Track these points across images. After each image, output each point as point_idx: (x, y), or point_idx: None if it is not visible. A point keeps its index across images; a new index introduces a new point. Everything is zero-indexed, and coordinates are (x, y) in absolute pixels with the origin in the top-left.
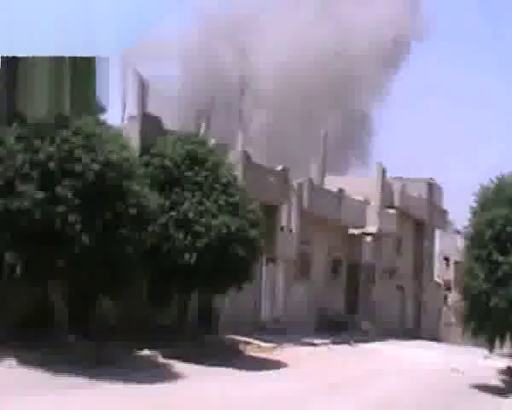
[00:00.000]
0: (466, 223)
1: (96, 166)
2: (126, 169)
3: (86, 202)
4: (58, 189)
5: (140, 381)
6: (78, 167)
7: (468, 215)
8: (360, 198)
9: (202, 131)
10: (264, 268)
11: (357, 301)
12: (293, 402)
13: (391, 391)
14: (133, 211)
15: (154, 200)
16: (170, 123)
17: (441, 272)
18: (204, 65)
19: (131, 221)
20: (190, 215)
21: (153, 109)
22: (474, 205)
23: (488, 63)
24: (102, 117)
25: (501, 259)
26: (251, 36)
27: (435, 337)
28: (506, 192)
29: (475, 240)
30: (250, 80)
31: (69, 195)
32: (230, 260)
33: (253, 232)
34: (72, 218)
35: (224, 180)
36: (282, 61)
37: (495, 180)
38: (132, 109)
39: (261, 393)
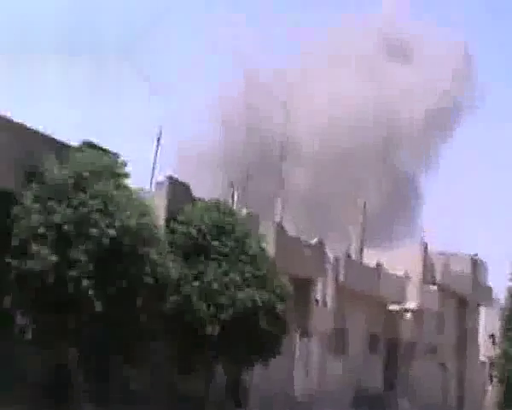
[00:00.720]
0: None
1: (112, 231)
2: (145, 235)
3: (100, 267)
4: (73, 252)
5: None
6: (93, 231)
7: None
8: (401, 272)
9: (235, 198)
10: (297, 342)
11: (396, 378)
12: None
13: None
14: (149, 279)
15: (175, 269)
16: (205, 184)
17: (486, 350)
18: (244, 123)
19: (147, 289)
20: (215, 286)
21: (189, 169)
22: None
23: None
24: (127, 180)
25: None
26: (292, 93)
27: None
28: None
29: (511, 321)
30: (290, 140)
31: (83, 259)
32: (256, 334)
33: (280, 306)
34: (85, 283)
35: (251, 252)
36: (324, 121)
37: None
38: (163, 172)
39: None
